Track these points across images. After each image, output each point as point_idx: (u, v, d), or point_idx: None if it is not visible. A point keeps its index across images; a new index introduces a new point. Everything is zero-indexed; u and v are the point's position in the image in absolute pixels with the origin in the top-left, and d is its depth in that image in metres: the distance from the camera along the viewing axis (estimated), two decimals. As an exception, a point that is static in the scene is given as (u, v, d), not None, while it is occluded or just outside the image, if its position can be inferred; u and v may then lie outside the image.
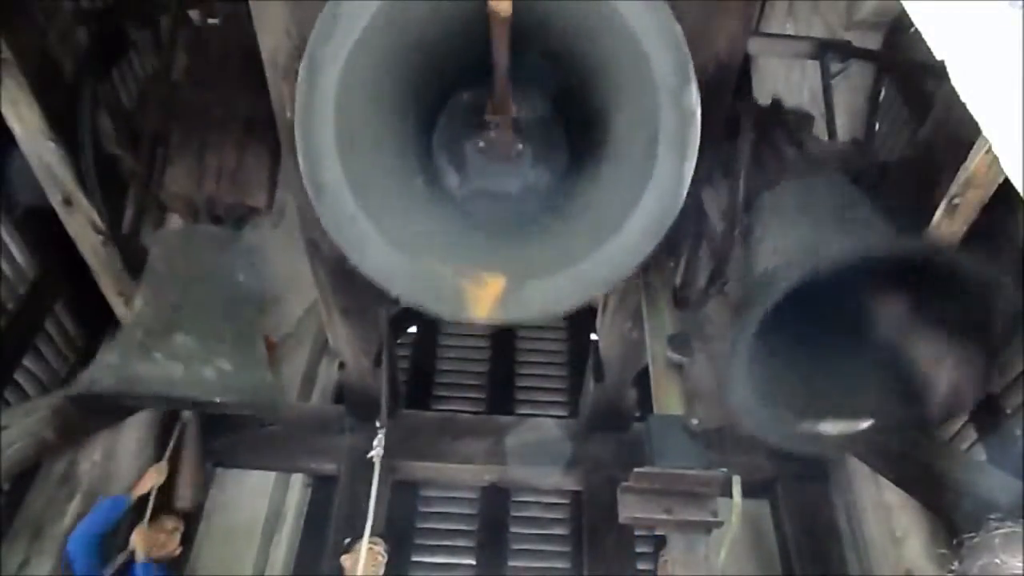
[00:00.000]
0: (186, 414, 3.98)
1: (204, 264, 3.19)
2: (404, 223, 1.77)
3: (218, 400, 3.06)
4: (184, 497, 3.98)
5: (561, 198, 1.91)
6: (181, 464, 3.96)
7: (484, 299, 1.70)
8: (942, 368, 2.13)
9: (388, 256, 1.72)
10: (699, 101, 1.59)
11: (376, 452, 3.77)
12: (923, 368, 2.15)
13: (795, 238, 2.35)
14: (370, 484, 3.67)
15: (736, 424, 2.29)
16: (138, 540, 3.58)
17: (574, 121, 1.96)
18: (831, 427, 2.23)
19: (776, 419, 2.23)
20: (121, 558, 3.53)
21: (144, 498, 3.68)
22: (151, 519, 3.64)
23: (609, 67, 1.72)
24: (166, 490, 3.82)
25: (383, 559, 3.75)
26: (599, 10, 1.58)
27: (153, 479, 3.75)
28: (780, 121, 3.11)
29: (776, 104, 3.20)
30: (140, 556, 3.56)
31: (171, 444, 3.89)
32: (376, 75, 1.71)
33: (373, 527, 3.62)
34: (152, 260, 3.24)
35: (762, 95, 3.57)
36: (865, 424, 2.22)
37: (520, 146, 1.99)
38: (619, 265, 1.71)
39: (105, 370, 2.95)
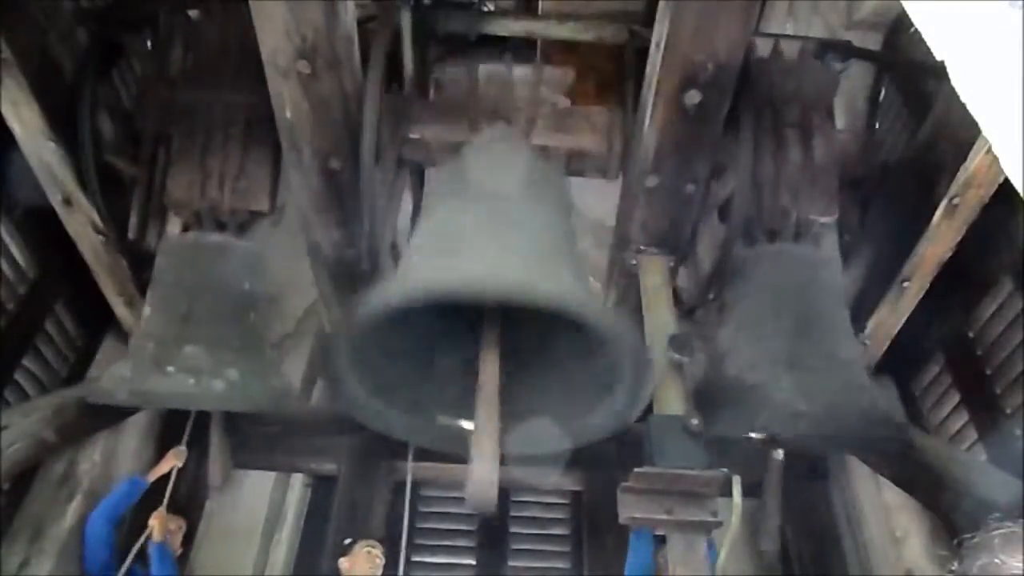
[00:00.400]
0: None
1: (210, 273, 3.21)
2: (419, 400, 2.38)
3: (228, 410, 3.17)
4: (216, 476, 3.83)
5: (526, 387, 2.43)
6: (209, 446, 3.85)
7: None
8: None
9: (408, 424, 2.37)
10: (651, 374, 2.22)
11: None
12: None
13: (751, 351, 3.01)
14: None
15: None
16: (156, 523, 3.58)
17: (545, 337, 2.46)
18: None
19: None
20: (138, 544, 3.53)
21: (162, 482, 3.69)
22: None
23: (577, 343, 2.21)
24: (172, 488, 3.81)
25: (381, 561, 3.75)
26: (579, 314, 2.05)
27: (172, 462, 3.74)
28: (795, 96, 3.16)
29: (802, 61, 3.20)
30: (157, 537, 3.57)
31: (188, 427, 3.83)
32: (387, 333, 2.15)
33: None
34: (158, 269, 3.25)
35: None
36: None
37: None
38: (576, 442, 2.45)
39: (118, 382, 2.99)
